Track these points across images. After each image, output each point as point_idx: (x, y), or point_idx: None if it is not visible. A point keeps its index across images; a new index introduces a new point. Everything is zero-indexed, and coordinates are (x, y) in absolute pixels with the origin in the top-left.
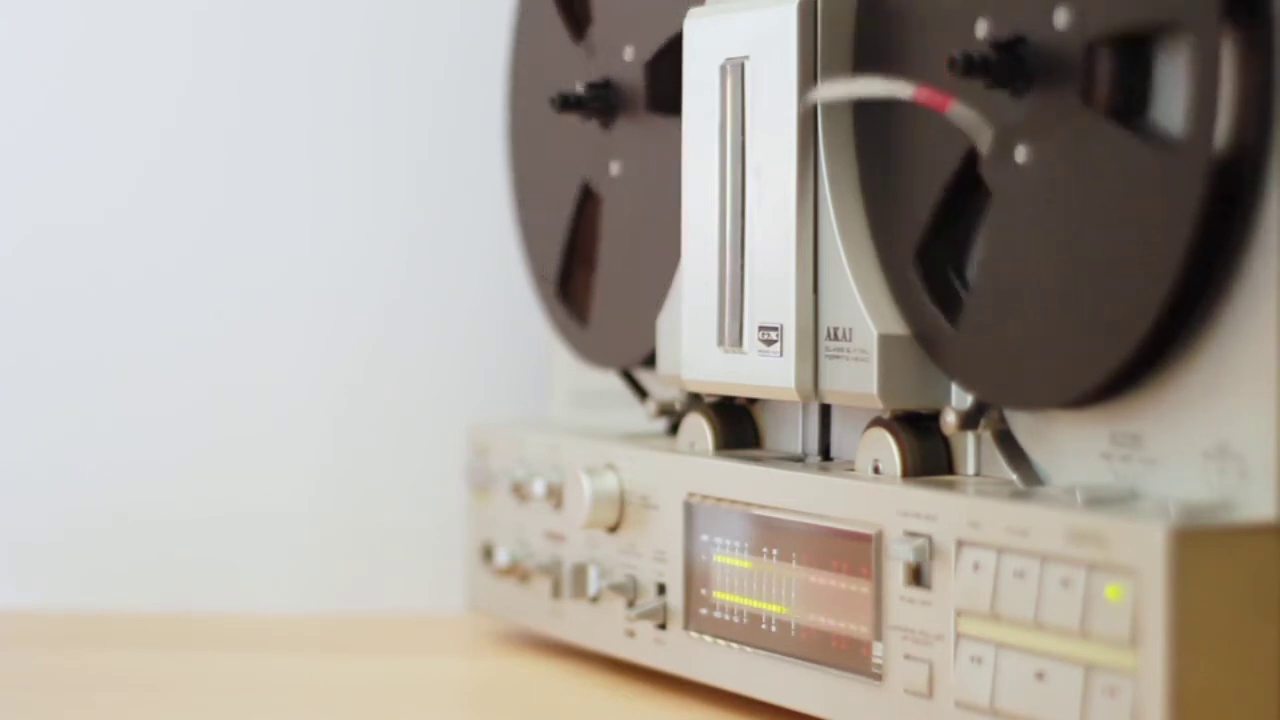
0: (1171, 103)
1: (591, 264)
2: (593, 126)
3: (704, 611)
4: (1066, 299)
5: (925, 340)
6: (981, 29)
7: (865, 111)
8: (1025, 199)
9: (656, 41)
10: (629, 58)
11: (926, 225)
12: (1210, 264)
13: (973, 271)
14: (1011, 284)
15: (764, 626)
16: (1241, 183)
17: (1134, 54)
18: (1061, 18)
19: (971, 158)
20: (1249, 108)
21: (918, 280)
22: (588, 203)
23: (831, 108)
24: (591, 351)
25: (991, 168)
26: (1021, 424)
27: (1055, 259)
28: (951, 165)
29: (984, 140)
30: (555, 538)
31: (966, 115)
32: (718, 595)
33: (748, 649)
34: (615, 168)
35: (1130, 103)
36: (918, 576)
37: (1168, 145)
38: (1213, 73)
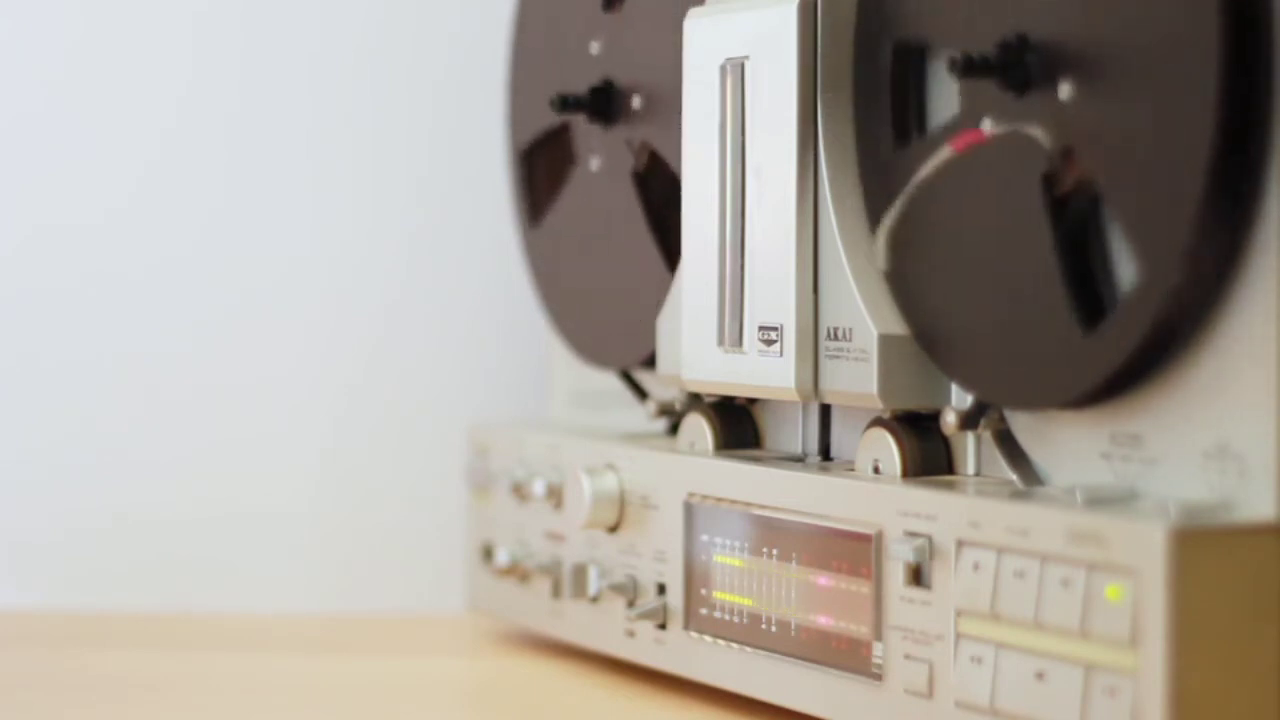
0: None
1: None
2: (592, 126)
3: (704, 611)
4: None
5: (925, 340)
6: (983, 29)
7: (865, 111)
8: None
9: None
10: (637, 105)
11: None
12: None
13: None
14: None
15: (764, 626)
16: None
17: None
18: (1065, 90)
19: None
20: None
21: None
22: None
23: (832, 107)
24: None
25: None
26: (1021, 424)
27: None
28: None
29: (1047, 141)
30: (555, 538)
31: (1005, 134)
32: (718, 595)
33: (748, 649)
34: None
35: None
36: (918, 576)
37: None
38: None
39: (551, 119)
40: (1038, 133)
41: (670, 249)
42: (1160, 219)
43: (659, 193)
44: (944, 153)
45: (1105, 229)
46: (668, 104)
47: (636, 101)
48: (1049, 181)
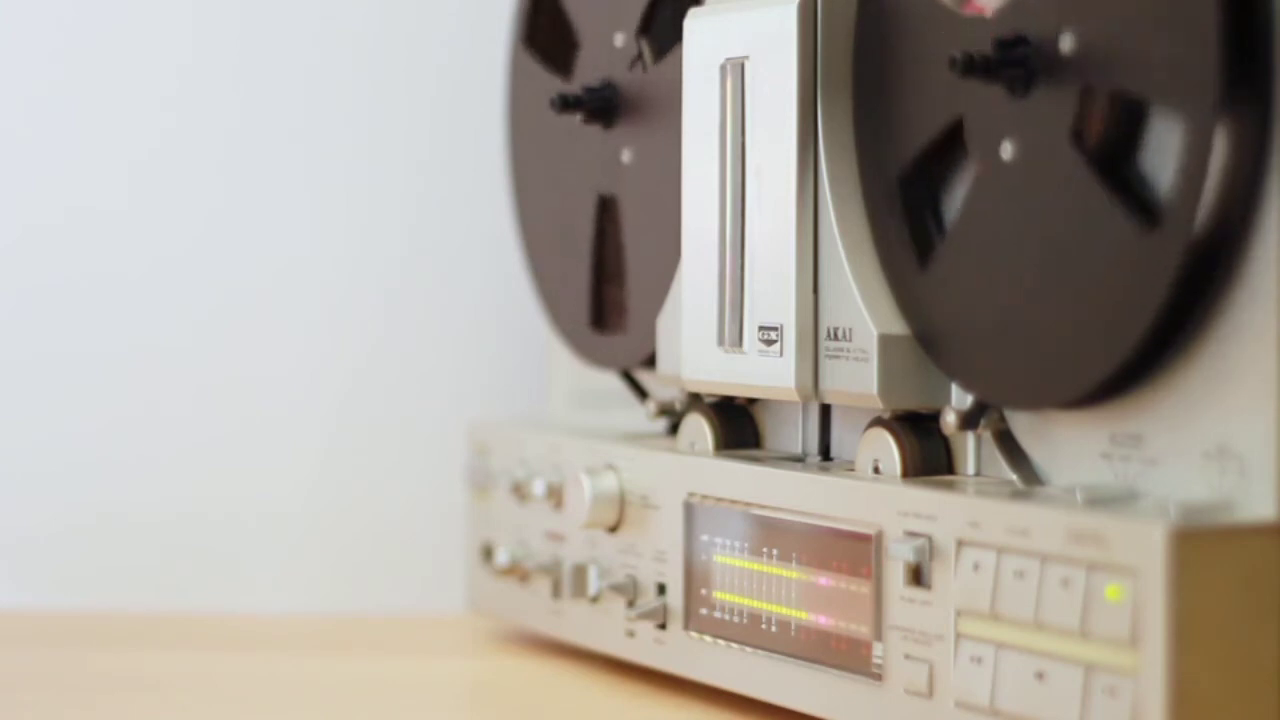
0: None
1: (601, 270)
2: (593, 127)
3: (704, 611)
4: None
5: (925, 340)
6: (983, 29)
7: (865, 111)
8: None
9: (639, 9)
10: (619, 43)
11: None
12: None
13: (973, 269)
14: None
15: (764, 626)
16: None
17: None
18: (1067, 43)
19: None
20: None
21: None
22: (598, 209)
23: (831, 107)
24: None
25: (982, 161)
26: (1021, 424)
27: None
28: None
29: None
30: (555, 538)
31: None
32: (718, 595)
33: (748, 649)
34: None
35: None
36: (918, 576)
37: (1156, 214)
38: (1203, 151)
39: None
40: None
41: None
42: (1187, 81)
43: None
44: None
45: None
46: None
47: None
48: (1078, 137)
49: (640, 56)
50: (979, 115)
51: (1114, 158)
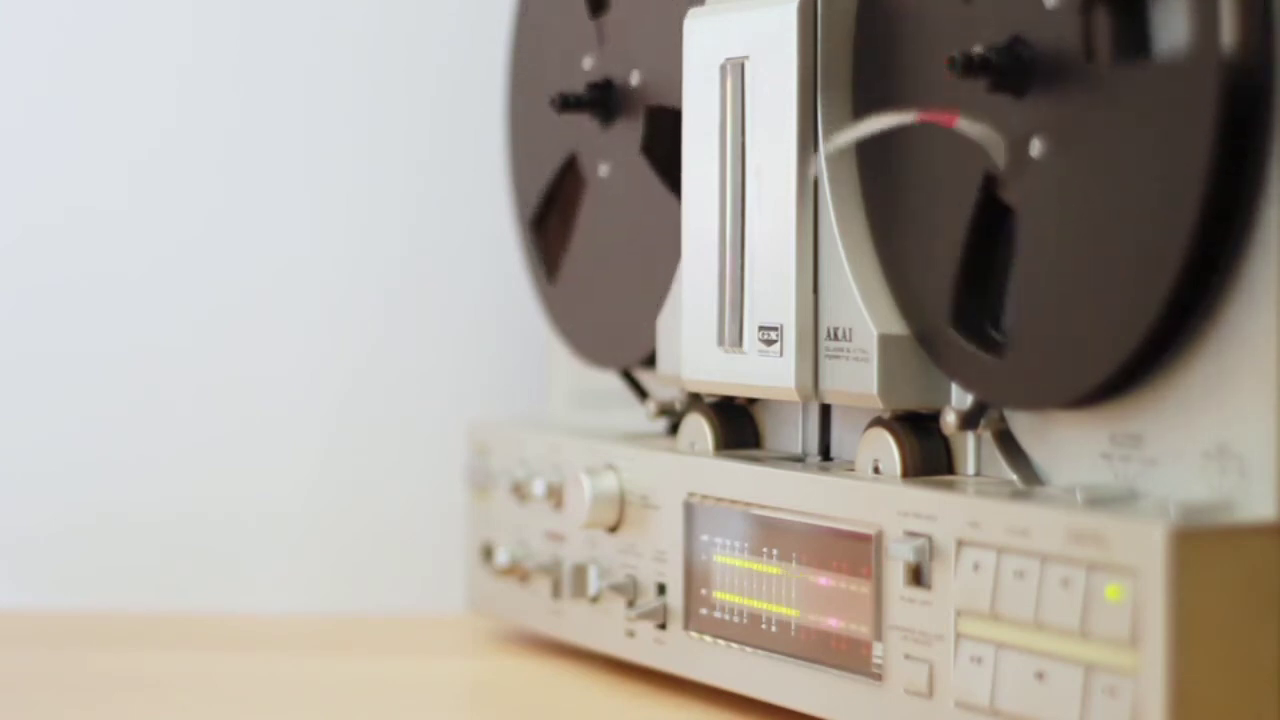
0: (1171, 40)
1: (587, 255)
2: (593, 126)
3: (704, 611)
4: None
5: (925, 340)
6: (979, 30)
7: (866, 111)
8: (1041, 196)
9: (664, 90)
10: (635, 82)
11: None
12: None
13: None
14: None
15: (764, 626)
16: (1250, 119)
17: (1128, 4)
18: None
19: (989, 183)
20: (1249, 31)
21: (957, 337)
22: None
23: (831, 107)
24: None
25: (1011, 179)
26: (1021, 424)
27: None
28: (971, 195)
29: (998, 151)
30: (555, 538)
31: (975, 128)
32: (718, 595)
33: (748, 649)
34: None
35: (1131, 47)
36: (918, 576)
37: (1173, 69)
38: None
39: (553, 164)
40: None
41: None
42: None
43: (671, 160)
44: (908, 115)
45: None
46: (668, 73)
47: (635, 77)
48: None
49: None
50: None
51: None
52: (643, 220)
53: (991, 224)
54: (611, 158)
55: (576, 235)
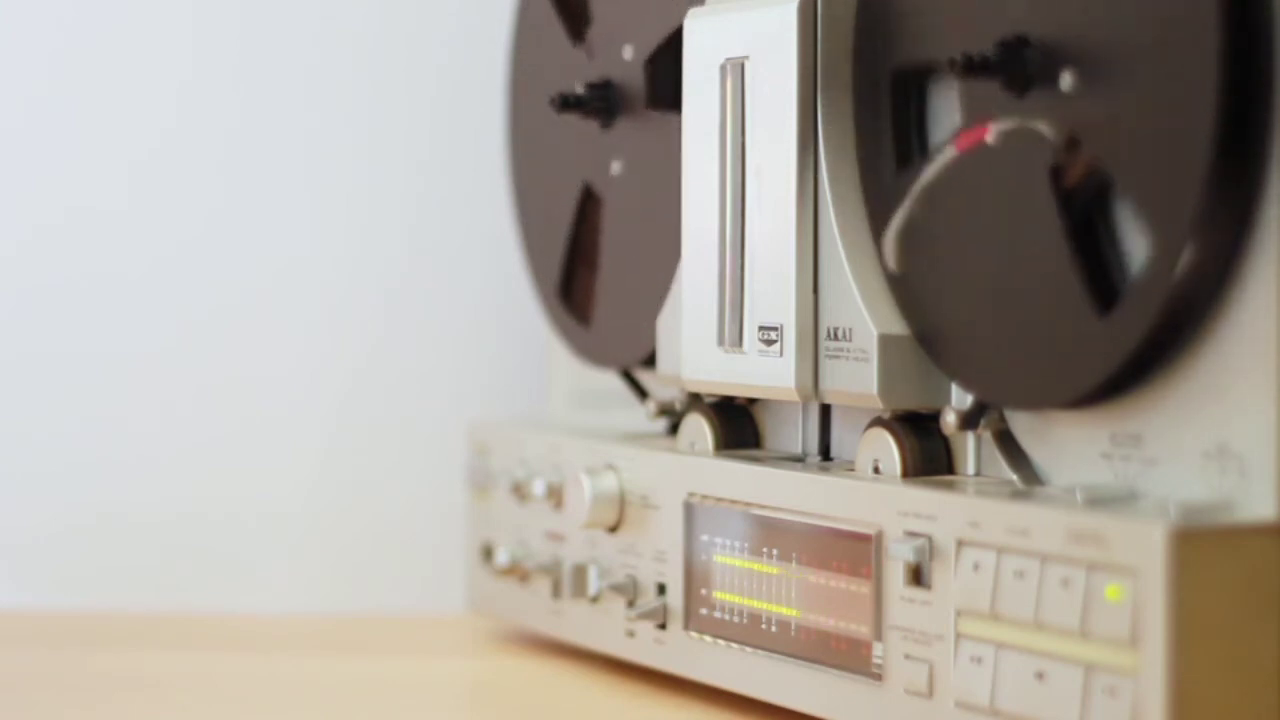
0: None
1: (593, 264)
2: (593, 126)
3: (704, 611)
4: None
5: (925, 340)
6: (984, 29)
7: (866, 111)
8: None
9: (656, 38)
10: (629, 56)
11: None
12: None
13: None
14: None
15: (764, 626)
16: (1249, 122)
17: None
18: (1067, 81)
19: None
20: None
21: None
22: (588, 204)
23: (831, 107)
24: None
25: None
26: (1021, 424)
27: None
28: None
29: (1053, 135)
30: (555, 538)
31: (1010, 130)
32: (718, 595)
33: (748, 649)
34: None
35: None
36: (918, 576)
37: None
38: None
39: (551, 119)
40: (1042, 127)
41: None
42: (1168, 191)
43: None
44: (948, 153)
45: (1114, 219)
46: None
47: (628, 52)
48: (1056, 175)
49: None
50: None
51: (1087, 212)
52: (653, 212)
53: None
54: (621, 155)
55: (601, 263)
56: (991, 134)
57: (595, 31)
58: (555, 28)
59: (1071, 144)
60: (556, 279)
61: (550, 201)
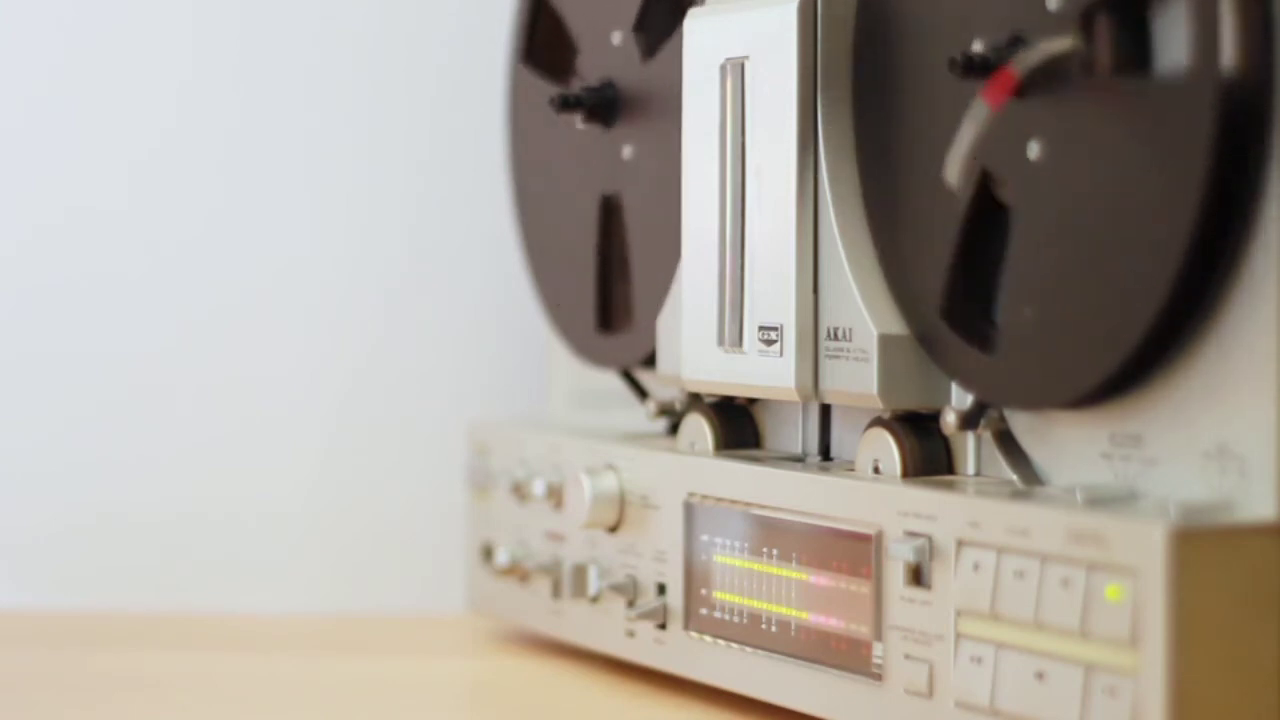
0: (1172, 53)
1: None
2: (594, 128)
3: (704, 611)
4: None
5: (925, 340)
6: (980, 31)
7: (866, 111)
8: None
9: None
10: (618, 41)
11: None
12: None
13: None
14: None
15: (764, 626)
16: (1249, 131)
17: (1130, 13)
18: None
19: (985, 180)
20: (1250, 48)
21: (948, 332)
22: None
23: (832, 107)
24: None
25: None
26: (1021, 424)
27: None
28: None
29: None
30: (555, 538)
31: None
32: (718, 595)
33: (748, 649)
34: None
35: (1132, 58)
36: (918, 576)
37: (1173, 85)
38: (1212, 19)
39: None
40: (1059, 44)
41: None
42: (1168, 186)
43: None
44: (980, 110)
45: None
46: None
47: (616, 38)
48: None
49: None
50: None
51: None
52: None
53: (989, 223)
54: (633, 142)
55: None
56: (1016, 72)
57: (583, 46)
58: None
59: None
60: (594, 297)
61: (563, 212)
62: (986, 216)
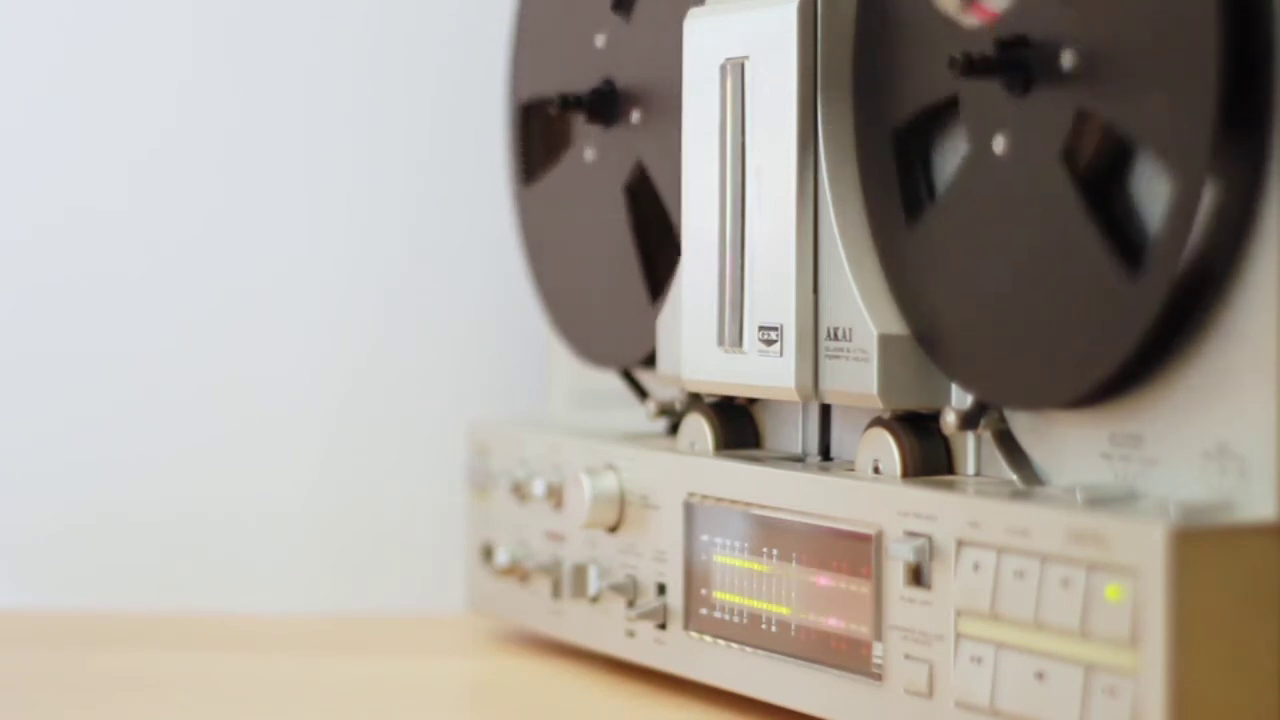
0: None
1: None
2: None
3: (704, 611)
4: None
5: (925, 340)
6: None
7: (866, 111)
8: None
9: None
10: (601, 44)
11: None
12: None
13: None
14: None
15: (764, 626)
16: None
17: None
18: (1068, 59)
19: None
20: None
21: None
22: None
23: (831, 107)
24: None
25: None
26: (1021, 424)
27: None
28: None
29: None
30: (555, 538)
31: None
32: (718, 595)
33: (748, 649)
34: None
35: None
36: (918, 576)
37: (1138, 254)
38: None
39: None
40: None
41: (653, 268)
42: (1184, 130)
43: (647, 210)
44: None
45: (1130, 188)
46: (667, 118)
47: (635, 116)
48: (1069, 155)
49: None
50: (976, 102)
51: (1102, 182)
52: (613, 236)
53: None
54: (600, 150)
55: (557, 186)
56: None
57: (568, 65)
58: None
59: (1079, 118)
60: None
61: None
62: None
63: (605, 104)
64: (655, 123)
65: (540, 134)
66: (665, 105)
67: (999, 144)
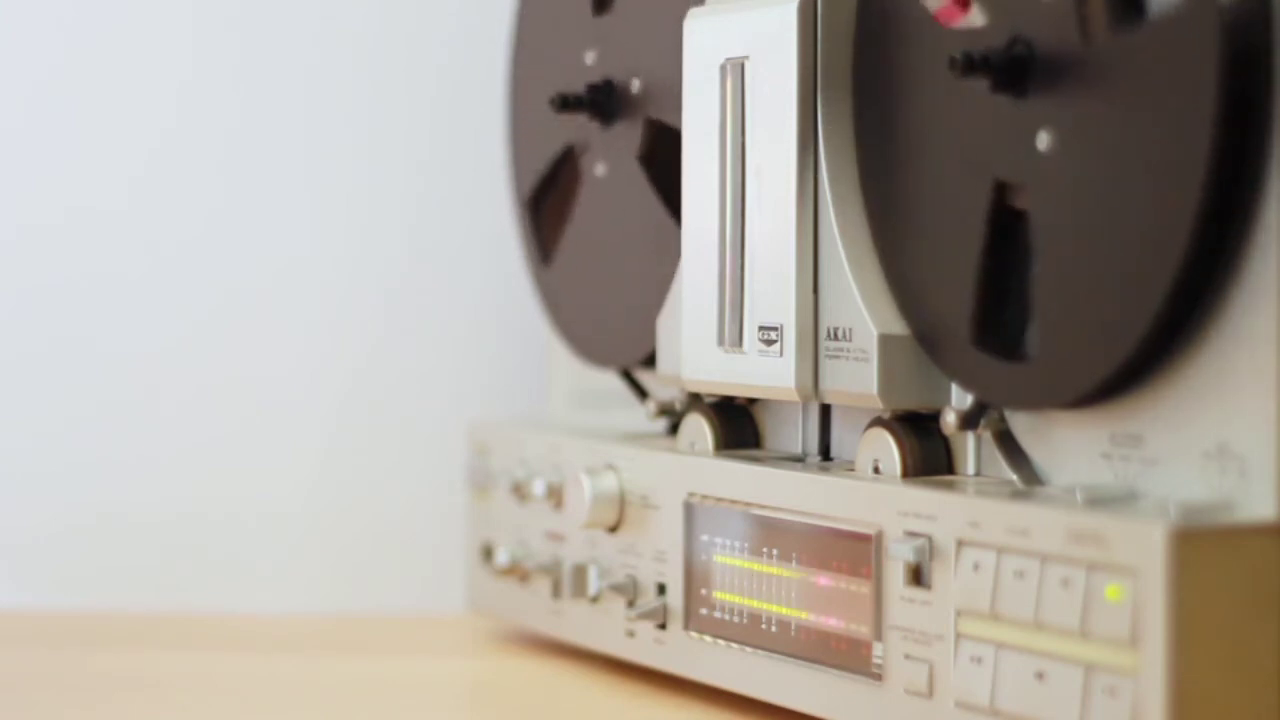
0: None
1: (584, 252)
2: (593, 125)
3: (704, 611)
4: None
5: (925, 340)
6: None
7: (866, 111)
8: (1046, 195)
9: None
10: (590, 61)
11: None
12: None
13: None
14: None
15: (764, 626)
16: (1250, 74)
17: None
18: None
19: (1000, 190)
20: None
21: (948, 333)
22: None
23: (831, 107)
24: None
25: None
26: (1021, 424)
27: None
28: (981, 201)
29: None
30: (555, 538)
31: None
32: (718, 595)
33: (748, 649)
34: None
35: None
36: (918, 576)
37: (1170, 22)
38: None
39: (552, 150)
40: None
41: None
42: (1184, 130)
43: (668, 170)
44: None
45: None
46: (668, 84)
47: (636, 85)
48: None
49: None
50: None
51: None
52: (637, 223)
53: (999, 227)
54: (609, 159)
55: (572, 228)
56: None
57: (612, 19)
58: (564, 16)
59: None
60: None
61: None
62: (999, 223)
63: (605, 100)
64: (659, 90)
65: (549, 216)
66: (667, 76)
67: (1041, 141)
